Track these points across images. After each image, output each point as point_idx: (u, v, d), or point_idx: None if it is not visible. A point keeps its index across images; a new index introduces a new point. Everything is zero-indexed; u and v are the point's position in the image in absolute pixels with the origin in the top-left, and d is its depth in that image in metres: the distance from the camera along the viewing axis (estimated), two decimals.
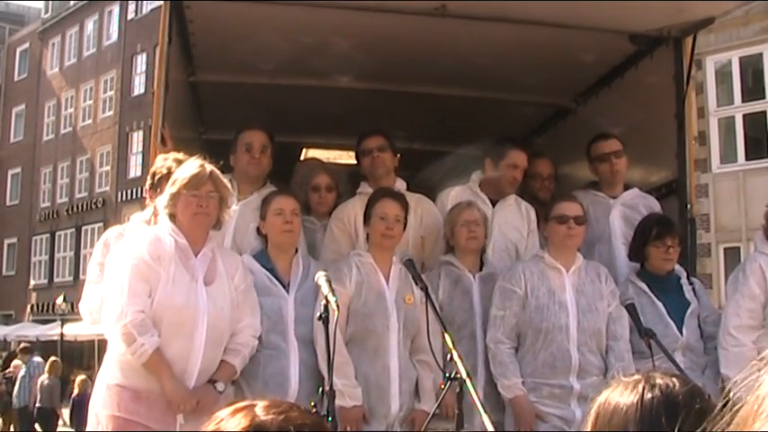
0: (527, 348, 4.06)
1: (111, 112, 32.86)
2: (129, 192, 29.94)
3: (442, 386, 3.28)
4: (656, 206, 4.72)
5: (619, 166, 4.69)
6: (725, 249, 14.65)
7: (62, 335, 25.19)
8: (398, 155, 4.63)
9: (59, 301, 25.48)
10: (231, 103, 5.37)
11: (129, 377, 3.37)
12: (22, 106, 38.10)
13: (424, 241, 4.45)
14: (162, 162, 3.78)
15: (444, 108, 5.69)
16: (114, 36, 33.64)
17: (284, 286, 3.86)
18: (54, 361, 14.48)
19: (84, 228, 32.72)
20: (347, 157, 5.33)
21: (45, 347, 24.78)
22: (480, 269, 4.27)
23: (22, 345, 16.92)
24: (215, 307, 3.45)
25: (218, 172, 3.52)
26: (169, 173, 3.59)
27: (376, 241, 4.02)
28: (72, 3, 36.28)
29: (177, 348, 3.37)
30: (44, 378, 13.78)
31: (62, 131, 35.43)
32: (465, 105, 5.58)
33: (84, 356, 26.94)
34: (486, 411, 2.98)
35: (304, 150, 6.45)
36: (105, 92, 33.58)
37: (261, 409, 1.32)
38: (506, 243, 4.55)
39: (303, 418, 1.32)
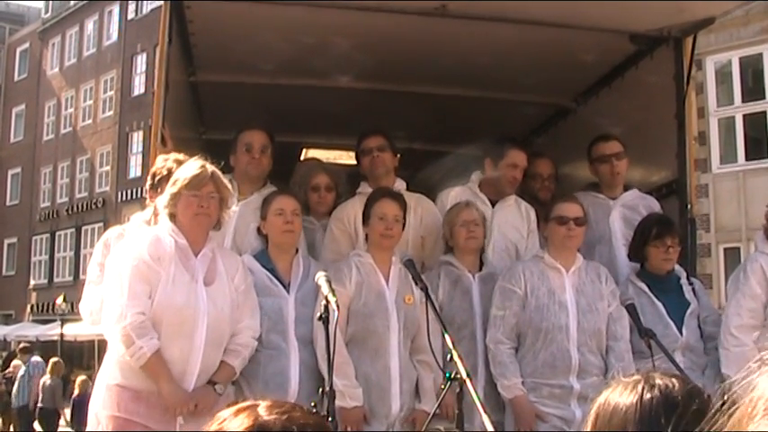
0: (527, 348, 4.06)
1: (112, 112, 32.87)
2: (129, 192, 29.94)
3: (443, 386, 3.28)
4: (655, 206, 4.72)
5: (619, 168, 4.69)
6: (725, 249, 14.65)
7: (62, 335, 25.21)
8: (398, 155, 4.62)
9: (59, 301, 25.50)
10: (231, 103, 5.37)
11: (128, 377, 3.37)
12: (22, 106, 38.11)
13: (424, 241, 4.45)
14: (162, 163, 3.78)
15: (444, 108, 5.69)
16: (114, 36, 33.65)
17: (285, 286, 3.86)
18: (56, 361, 14.54)
19: (84, 228, 32.73)
20: (347, 158, 5.33)
21: (45, 347, 24.78)
22: (480, 269, 4.27)
23: (21, 345, 16.94)
24: (215, 307, 3.45)
25: (219, 173, 3.52)
26: (169, 173, 3.59)
27: (375, 241, 4.02)
28: (72, 3, 36.29)
29: (177, 349, 3.37)
30: (46, 378, 13.84)
31: (62, 131, 35.44)
32: (465, 105, 5.58)
33: (84, 356, 26.94)
34: (486, 411, 2.98)
35: (304, 150, 6.45)
36: (105, 92, 33.59)
37: (263, 410, 1.32)
38: (506, 243, 4.55)
39: (306, 418, 1.32)
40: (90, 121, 34.09)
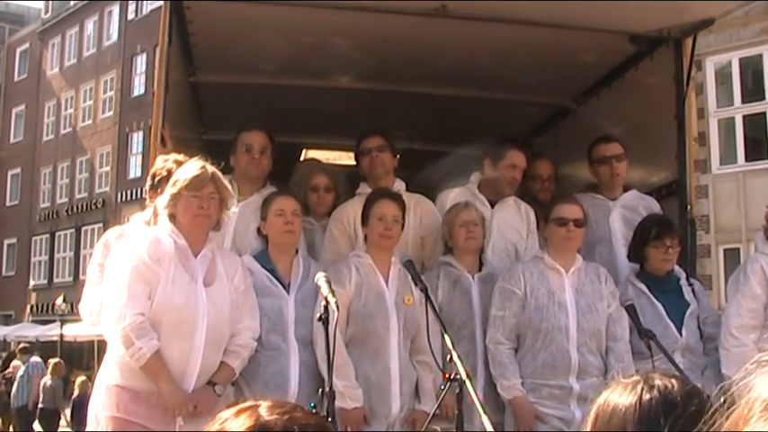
0: (526, 349, 4.05)
1: (111, 113, 32.88)
2: (128, 192, 29.94)
3: (442, 387, 3.28)
4: (655, 207, 4.72)
5: (619, 170, 4.69)
6: (725, 250, 14.65)
7: (62, 335, 25.20)
8: (398, 155, 4.62)
9: (59, 301, 25.49)
10: (231, 103, 5.37)
11: (128, 378, 3.36)
12: (22, 107, 38.12)
13: (423, 241, 4.45)
14: (162, 163, 3.78)
15: (444, 108, 5.69)
16: (114, 36, 33.66)
17: (284, 287, 3.86)
18: (57, 362, 14.61)
19: (83, 228, 32.73)
20: (347, 158, 5.33)
21: (44, 348, 24.77)
22: (479, 270, 4.27)
23: (21, 345, 16.96)
24: (215, 308, 3.45)
25: (219, 173, 3.52)
26: (169, 174, 3.59)
27: (374, 242, 4.02)
28: (72, 3, 36.29)
29: (177, 349, 3.37)
30: (47, 379, 13.90)
31: (62, 132, 35.44)
32: (465, 105, 5.58)
33: (83, 357, 26.94)
34: (485, 412, 2.98)
35: (304, 151, 6.45)
36: (105, 92, 33.59)
37: (265, 410, 1.32)
38: (506, 244, 4.55)
39: (307, 419, 1.32)
40: (90, 121, 34.10)
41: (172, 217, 3.48)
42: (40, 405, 13.70)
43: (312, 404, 2.95)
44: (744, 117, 15.02)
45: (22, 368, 14.17)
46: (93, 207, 32.26)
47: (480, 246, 4.29)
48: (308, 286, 3.77)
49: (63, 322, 25.12)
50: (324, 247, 4.38)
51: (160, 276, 3.38)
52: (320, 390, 3.03)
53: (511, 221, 4.59)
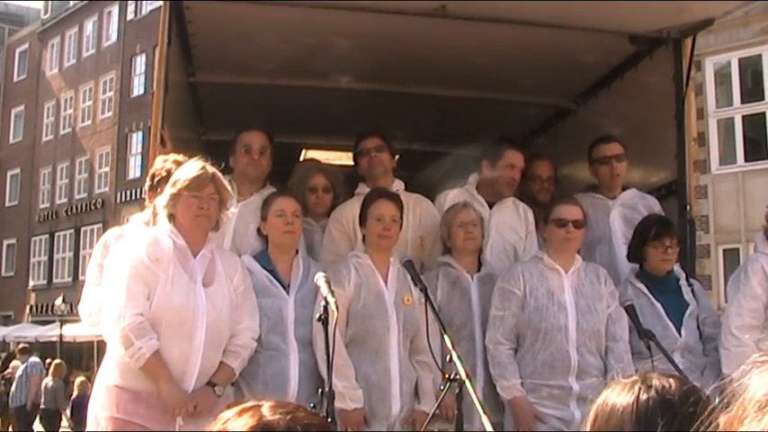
0: (526, 349, 4.05)
1: (111, 113, 32.87)
2: (128, 193, 29.93)
3: (442, 387, 3.28)
4: (655, 205, 4.73)
5: (619, 170, 4.70)
6: (724, 251, 14.65)
7: (61, 336, 25.19)
8: (396, 156, 4.62)
9: (58, 301, 25.49)
10: (231, 103, 5.37)
11: (128, 378, 3.36)
12: (22, 107, 38.11)
13: (423, 241, 4.45)
14: (161, 164, 3.78)
15: (444, 109, 5.69)
16: (114, 37, 33.65)
17: (284, 287, 3.86)
18: (58, 363, 14.67)
19: (83, 228, 32.72)
20: (347, 158, 5.32)
21: (44, 348, 24.78)
22: (478, 270, 4.27)
23: (20, 345, 16.97)
24: (214, 308, 3.45)
25: (219, 174, 3.52)
26: (168, 174, 3.58)
27: (373, 242, 4.02)
28: (71, 3, 36.29)
29: (177, 350, 3.37)
30: (48, 380, 13.96)
31: (61, 132, 35.44)
32: (465, 106, 5.58)
33: (83, 357, 26.93)
34: (485, 412, 2.98)
35: (304, 151, 6.45)
36: (105, 93, 33.59)
37: (267, 410, 1.32)
38: (504, 245, 4.55)
39: (310, 419, 1.32)
40: (89, 121, 34.10)
41: (171, 217, 3.47)
42: (41, 406, 13.74)
43: (312, 404, 2.95)
44: (743, 117, 15.02)
45: (21, 368, 14.18)
46: (93, 207, 32.26)
47: (479, 246, 4.29)
48: (308, 287, 3.76)
49: (62, 323, 25.11)
50: (323, 247, 4.38)
51: (159, 277, 3.38)
52: (320, 390, 3.02)
53: (509, 222, 4.59)
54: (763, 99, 14.79)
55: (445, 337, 3.39)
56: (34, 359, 14.63)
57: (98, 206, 32.04)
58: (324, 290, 3.23)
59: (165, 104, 4.24)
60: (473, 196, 4.55)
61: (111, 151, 32.44)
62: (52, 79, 36.60)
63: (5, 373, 16.43)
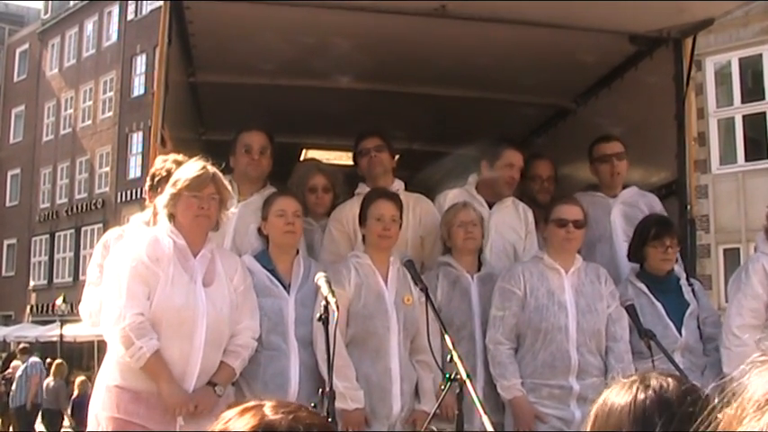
0: (526, 349, 4.06)
1: (111, 113, 32.87)
2: (128, 193, 29.94)
3: (442, 387, 3.28)
4: (655, 202, 4.73)
5: (619, 168, 4.70)
6: (724, 250, 14.65)
7: (62, 336, 25.19)
8: (396, 156, 4.62)
9: (59, 301, 25.48)
10: (231, 103, 5.37)
11: (128, 378, 3.36)
12: (22, 107, 38.12)
13: (423, 241, 4.46)
14: (161, 164, 3.78)
15: (444, 109, 5.69)
16: (114, 37, 33.65)
17: (285, 287, 3.86)
18: (60, 363, 14.68)
19: (83, 228, 32.73)
20: (347, 158, 5.33)
21: (44, 348, 24.79)
22: (478, 270, 4.27)
23: (21, 345, 16.97)
24: (214, 308, 3.45)
25: (220, 174, 3.52)
26: (168, 174, 3.58)
27: (373, 243, 4.02)
28: (72, 3, 36.29)
29: (177, 350, 3.37)
30: (49, 380, 13.99)
31: (62, 132, 35.44)
32: (465, 106, 5.58)
33: (83, 357, 26.93)
34: (485, 412, 2.98)
35: (304, 151, 6.45)
36: (105, 93, 33.59)
37: (269, 409, 1.32)
38: (504, 244, 4.55)
39: (312, 419, 1.32)
40: (89, 121, 34.10)
41: (171, 216, 3.47)
42: (43, 406, 13.76)
43: (313, 404, 2.95)
44: (743, 117, 15.02)
45: (21, 368, 14.19)
46: (93, 207, 32.26)
47: (479, 246, 4.29)
48: (309, 286, 3.76)
49: (63, 323, 25.11)
50: (323, 247, 4.38)
51: (159, 276, 3.38)
52: (320, 390, 3.02)
53: (509, 222, 4.59)
54: (763, 99, 14.78)
55: (446, 336, 3.39)
56: (34, 359, 14.63)
57: (98, 206, 32.04)
58: (324, 290, 3.23)
59: (165, 104, 4.24)
60: (472, 196, 4.55)
61: (111, 151, 32.45)
62: (52, 79, 36.60)
63: (6, 373, 16.43)
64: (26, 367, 14.05)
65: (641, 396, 1.37)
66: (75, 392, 14.53)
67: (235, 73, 5.25)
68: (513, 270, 4.18)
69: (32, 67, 37.94)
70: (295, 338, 3.77)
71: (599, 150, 4.75)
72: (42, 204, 35.63)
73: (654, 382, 1.39)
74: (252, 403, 1.35)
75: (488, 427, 2.92)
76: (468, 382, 3.10)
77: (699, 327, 4.29)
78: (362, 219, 4.05)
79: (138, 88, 31.60)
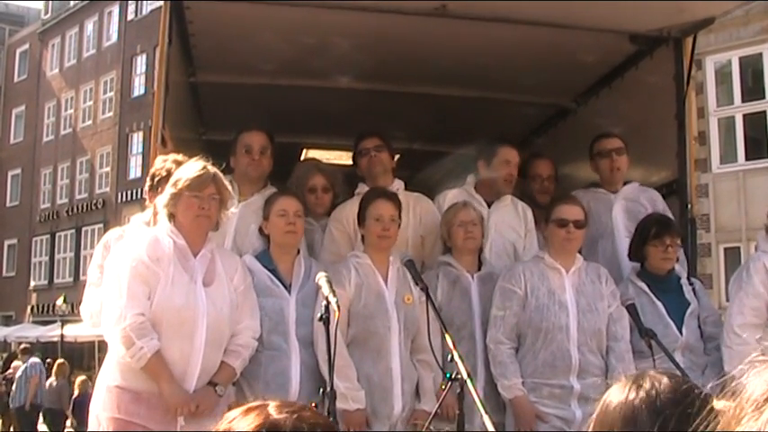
0: (527, 348, 4.05)
1: (111, 113, 32.88)
2: (129, 193, 29.95)
3: (443, 387, 3.28)
4: (657, 198, 4.74)
5: (619, 163, 4.70)
6: (725, 249, 14.65)
7: (62, 336, 25.20)
8: (396, 156, 4.62)
9: (59, 302, 25.50)
10: (231, 103, 5.37)
11: (129, 379, 3.36)
12: (22, 107, 38.12)
13: (423, 240, 4.45)
14: (161, 164, 3.77)
15: (444, 108, 5.69)
16: (114, 37, 33.65)
17: (286, 287, 3.86)
18: (62, 363, 14.69)
19: (84, 229, 32.73)
20: (347, 158, 5.33)
21: (45, 348, 24.81)
22: (478, 269, 4.27)
23: (22, 346, 16.99)
24: (214, 308, 3.45)
25: (220, 174, 3.52)
26: (168, 174, 3.58)
27: (373, 243, 4.02)
28: (72, 3, 36.29)
29: (177, 350, 3.37)
30: (52, 380, 13.99)
31: (62, 132, 35.44)
32: (465, 106, 5.58)
33: (84, 357, 26.93)
34: (486, 412, 2.98)
35: (304, 151, 6.45)
36: (105, 93, 33.59)
37: (274, 409, 1.33)
38: (504, 243, 4.55)
39: (316, 418, 1.33)
40: (90, 122, 34.10)
41: (171, 216, 3.47)
42: (45, 406, 13.77)
43: (314, 404, 2.95)
44: (744, 116, 15.02)
45: (21, 368, 14.20)
46: (94, 208, 32.27)
47: (479, 245, 4.29)
48: (310, 286, 3.77)
49: (63, 323, 25.11)
50: (323, 247, 4.38)
51: (159, 276, 3.38)
52: (321, 390, 3.02)
53: (508, 221, 4.60)
54: (763, 98, 14.78)
55: (446, 336, 3.39)
56: (34, 359, 14.64)
57: (99, 206, 32.05)
58: (325, 289, 3.22)
59: (165, 104, 4.24)
60: (471, 196, 4.55)
61: (111, 151, 32.45)
62: (53, 79, 36.61)
63: (7, 373, 16.45)
64: (26, 368, 14.06)
65: (632, 396, 1.38)
66: (76, 392, 14.54)
67: (235, 73, 5.25)
68: (513, 270, 4.18)
69: (33, 67, 37.95)
70: (296, 338, 3.77)
71: (599, 146, 4.76)
72: (43, 204, 35.64)
73: (647, 383, 1.39)
74: (256, 403, 1.35)
75: (489, 426, 2.93)
76: (468, 381, 3.10)
77: (699, 326, 4.29)
78: (361, 219, 4.05)
79: (138, 88, 31.60)
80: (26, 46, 38.95)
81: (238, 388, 3.67)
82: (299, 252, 3.98)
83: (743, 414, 0.97)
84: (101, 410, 3.41)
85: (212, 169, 3.48)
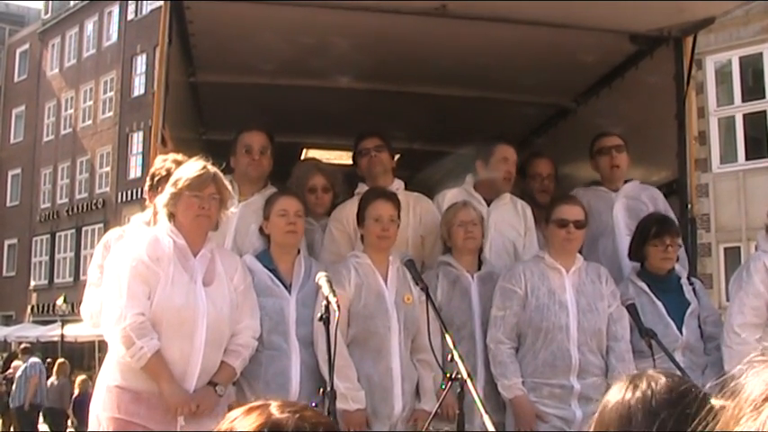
0: (527, 348, 4.05)
1: (111, 113, 32.89)
2: (129, 192, 29.95)
3: (443, 386, 3.28)
4: (658, 196, 4.74)
5: (619, 161, 4.71)
6: (725, 249, 14.65)
7: (62, 336, 25.21)
8: (396, 156, 4.62)
9: (60, 301, 25.51)
10: (231, 103, 5.37)
11: (129, 379, 3.36)
12: (22, 107, 38.13)
13: (423, 240, 4.45)
14: (161, 163, 3.77)
15: (444, 108, 5.69)
16: (114, 37, 33.66)
17: (286, 287, 3.86)
18: (62, 362, 14.70)
19: (84, 228, 32.74)
20: (347, 158, 5.33)
21: (45, 348, 24.81)
22: (478, 269, 4.27)
23: (22, 345, 17.00)
24: (214, 308, 3.45)
25: (220, 174, 3.52)
26: (168, 174, 3.58)
27: (372, 243, 4.02)
28: (72, 3, 36.30)
29: (177, 349, 3.37)
30: (53, 379, 13.99)
31: (62, 132, 35.45)
32: (465, 105, 5.58)
33: (84, 357, 26.93)
34: (486, 411, 2.98)
35: (304, 151, 6.45)
36: (105, 93, 33.60)
37: (276, 408, 1.33)
38: (504, 242, 4.55)
39: (317, 418, 1.33)
40: (90, 121, 34.11)
41: (171, 216, 3.47)
42: (47, 405, 13.77)
43: (314, 404, 2.95)
44: (744, 116, 15.02)
45: (21, 368, 14.21)
46: (94, 207, 32.28)
47: (479, 245, 4.29)
48: (310, 286, 3.77)
49: (64, 322, 25.12)
50: (323, 247, 4.38)
51: (159, 276, 3.37)
52: (321, 390, 3.02)
53: (508, 219, 4.60)
54: (763, 97, 14.78)
55: (446, 336, 3.39)
56: (34, 359, 14.64)
57: (99, 206, 32.05)
58: (325, 289, 3.22)
59: (165, 104, 4.24)
60: (471, 195, 4.55)
61: (111, 151, 32.46)
62: (53, 79, 36.61)
63: (7, 373, 16.45)
64: (26, 367, 14.07)
65: (627, 396, 1.39)
66: (76, 391, 14.55)
67: (235, 73, 5.25)
68: (513, 269, 4.18)
69: (33, 67, 37.96)
70: (296, 338, 3.77)
71: (599, 144, 4.77)
72: (43, 204, 35.65)
73: (643, 383, 1.40)
74: (258, 403, 1.36)
75: (489, 426, 2.92)
76: (468, 381, 3.10)
77: (699, 326, 4.29)
78: (360, 219, 4.05)
79: (138, 88, 31.61)
80: (26, 46, 38.96)
81: (238, 388, 3.67)
82: (299, 252, 3.98)
83: (741, 414, 0.97)
84: (101, 410, 3.41)
85: (212, 169, 3.48)
